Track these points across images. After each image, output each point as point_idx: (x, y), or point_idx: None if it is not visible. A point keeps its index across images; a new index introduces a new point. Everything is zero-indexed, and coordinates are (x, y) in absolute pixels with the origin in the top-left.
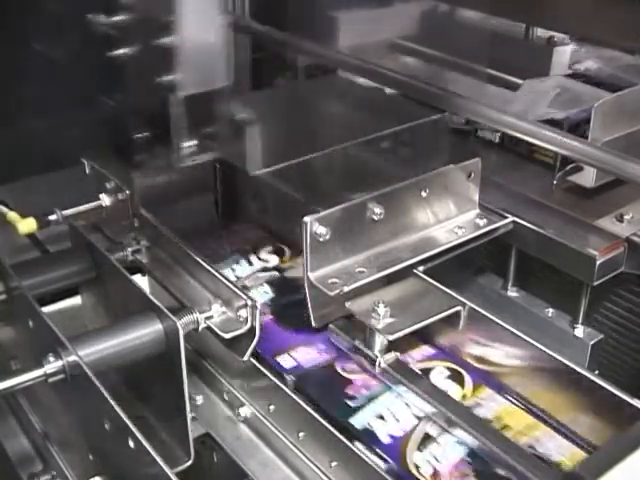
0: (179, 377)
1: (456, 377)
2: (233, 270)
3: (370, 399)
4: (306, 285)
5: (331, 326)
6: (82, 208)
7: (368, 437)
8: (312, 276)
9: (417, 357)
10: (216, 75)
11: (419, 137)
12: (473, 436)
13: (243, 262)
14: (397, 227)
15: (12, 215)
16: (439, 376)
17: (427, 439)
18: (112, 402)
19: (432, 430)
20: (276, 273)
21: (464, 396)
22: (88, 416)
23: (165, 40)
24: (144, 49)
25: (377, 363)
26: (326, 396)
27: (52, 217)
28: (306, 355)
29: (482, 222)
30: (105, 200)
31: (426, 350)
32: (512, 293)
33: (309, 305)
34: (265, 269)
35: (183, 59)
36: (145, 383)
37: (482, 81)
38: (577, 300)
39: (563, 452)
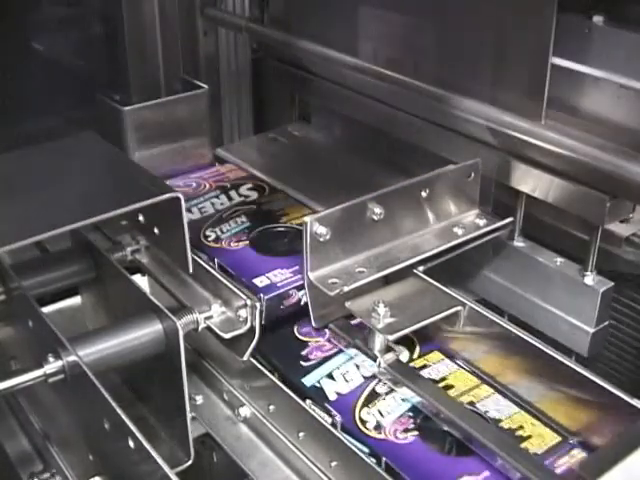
0: (179, 377)
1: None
2: (213, 204)
3: (323, 361)
4: (306, 285)
5: (331, 326)
6: None
7: (318, 395)
8: (312, 276)
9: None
10: None
11: None
12: (416, 393)
13: (223, 197)
14: (397, 227)
15: None
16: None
17: (374, 396)
18: (112, 402)
19: (379, 389)
20: (254, 206)
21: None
22: (88, 416)
23: None
24: None
25: (377, 363)
26: (283, 358)
27: None
28: (280, 276)
29: (482, 222)
30: None
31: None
32: (519, 243)
33: (309, 305)
34: (244, 203)
35: None
36: (145, 383)
37: None
38: (587, 248)
39: (502, 411)
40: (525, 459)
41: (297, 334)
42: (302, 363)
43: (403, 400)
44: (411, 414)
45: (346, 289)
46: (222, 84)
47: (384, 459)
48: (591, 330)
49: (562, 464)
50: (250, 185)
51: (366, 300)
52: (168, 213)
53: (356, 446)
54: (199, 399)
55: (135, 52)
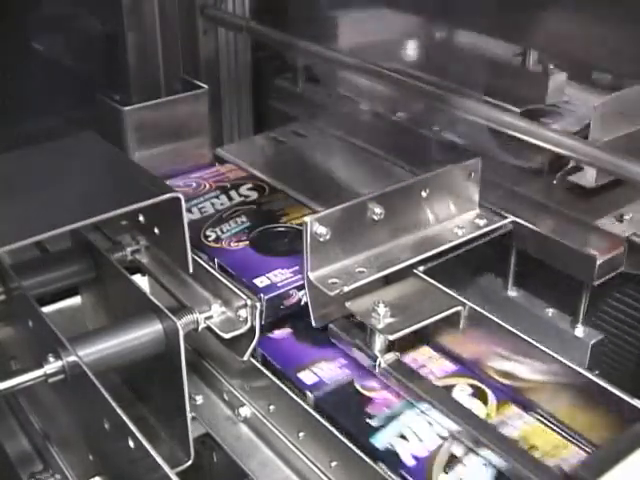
0: (179, 377)
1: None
2: (213, 204)
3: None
4: (306, 285)
5: (331, 326)
6: None
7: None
8: (312, 276)
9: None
10: None
11: None
12: (500, 456)
13: (223, 197)
14: (397, 227)
15: None
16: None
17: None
18: (112, 402)
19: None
20: (254, 206)
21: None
22: (88, 416)
23: None
24: None
25: (377, 363)
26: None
27: None
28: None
29: (482, 222)
30: None
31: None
32: (512, 293)
33: (309, 305)
34: (244, 203)
35: None
36: (145, 383)
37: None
38: (577, 300)
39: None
40: (525, 459)
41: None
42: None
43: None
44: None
45: (346, 289)
46: (222, 84)
47: None
48: None
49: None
50: (250, 185)
51: (366, 300)
52: (168, 213)
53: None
54: (199, 399)
55: (135, 52)
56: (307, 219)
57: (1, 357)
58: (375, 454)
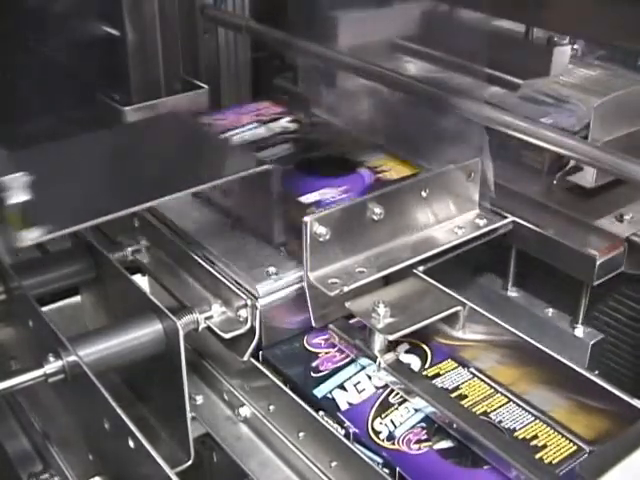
0: (179, 377)
1: (418, 352)
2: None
3: (334, 372)
4: (306, 285)
5: (331, 326)
6: None
7: (330, 406)
8: (312, 276)
9: None
10: None
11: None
12: (430, 404)
13: (262, 128)
14: (397, 227)
15: (12, 215)
16: (401, 350)
17: (387, 406)
18: (112, 402)
19: (392, 399)
20: (297, 135)
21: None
22: (88, 416)
23: None
24: None
25: (377, 363)
26: (294, 370)
27: None
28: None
29: (482, 222)
30: None
31: None
32: (512, 293)
33: (309, 305)
34: (284, 132)
35: None
36: (145, 383)
37: (482, 82)
38: (577, 300)
39: (517, 421)
40: (525, 459)
41: (307, 345)
42: (313, 375)
43: (416, 410)
44: (424, 425)
45: (346, 289)
46: (222, 84)
47: (398, 470)
48: None
49: None
50: (289, 118)
51: (366, 300)
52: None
53: (369, 457)
54: (199, 399)
55: (135, 52)
56: (307, 219)
57: (1, 357)
58: (316, 403)
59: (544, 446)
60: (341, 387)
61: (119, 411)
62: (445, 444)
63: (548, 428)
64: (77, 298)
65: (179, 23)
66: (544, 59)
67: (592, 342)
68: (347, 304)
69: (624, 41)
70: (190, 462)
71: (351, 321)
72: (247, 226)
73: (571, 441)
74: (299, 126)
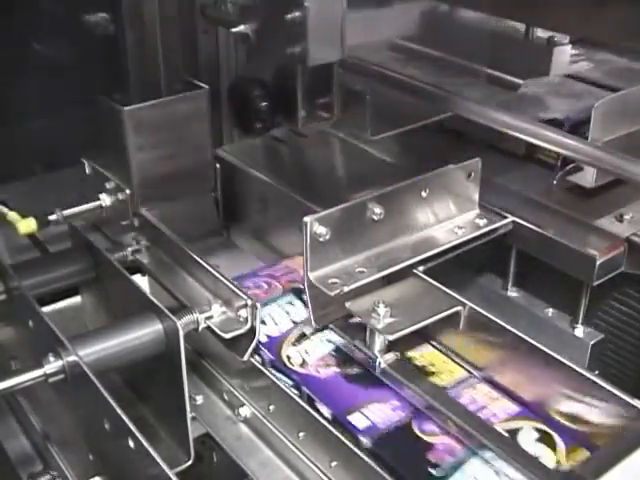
0: (179, 377)
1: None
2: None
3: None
4: (306, 285)
5: (331, 326)
6: (82, 208)
7: None
8: (312, 276)
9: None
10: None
11: None
12: (417, 394)
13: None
14: (397, 227)
15: (12, 215)
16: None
17: (302, 337)
18: (112, 402)
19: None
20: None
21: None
22: (88, 416)
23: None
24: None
25: (377, 363)
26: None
27: (52, 217)
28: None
29: (482, 222)
30: (105, 200)
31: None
32: (512, 293)
33: (309, 305)
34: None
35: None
36: (145, 383)
37: (482, 81)
38: (577, 300)
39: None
40: (525, 459)
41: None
42: (430, 470)
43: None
44: (334, 353)
45: (346, 289)
46: (222, 84)
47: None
48: None
49: (465, 394)
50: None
51: (366, 300)
52: None
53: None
54: (199, 399)
55: (135, 52)
56: (307, 219)
57: (1, 357)
58: None
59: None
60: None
61: (119, 411)
62: (351, 370)
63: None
64: (77, 298)
65: (179, 23)
66: (544, 59)
67: (592, 342)
68: (347, 304)
69: (626, 41)
70: (190, 462)
71: (351, 321)
72: None
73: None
74: None
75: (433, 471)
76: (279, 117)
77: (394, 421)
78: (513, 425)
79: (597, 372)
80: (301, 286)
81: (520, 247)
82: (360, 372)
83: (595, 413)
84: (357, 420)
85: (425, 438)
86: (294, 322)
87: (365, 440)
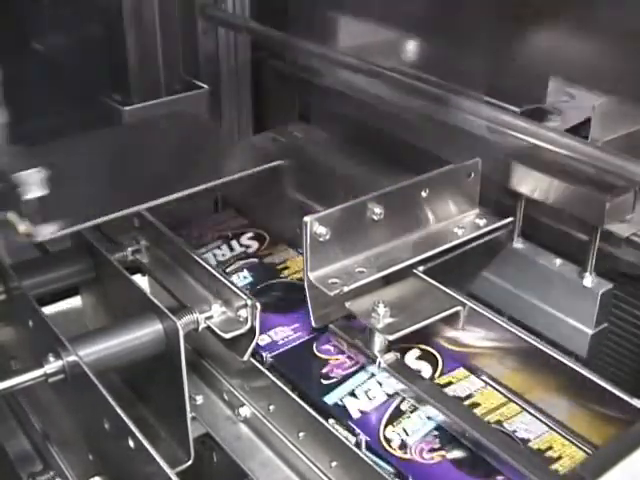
0: (179, 377)
1: (429, 359)
2: (215, 255)
3: (344, 378)
4: (306, 285)
5: (331, 326)
6: None
7: (339, 413)
8: (312, 276)
9: None
10: None
11: None
12: (442, 412)
13: (224, 247)
14: (397, 227)
15: (12, 215)
16: (412, 357)
17: (398, 414)
18: (112, 402)
19: (403, 406)
20: (255, 260)
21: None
22: (88, 416)
23: None
24: None
25: (377, 363)
26: (302, 376)
27: None
28: (281, 334)
29: (482, 222)
30: None
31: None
32: (518, 245)
33: (309, 305)
34: (245, 254)
35: None
36: (145, 383)
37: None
38: (585, 249)
39: (531, 430)
40: (525, 459)
41: (316, 352)
42: (323, 381)
43: (429, 419)
44: (437, 433)
45: (346, 289)
46: (222, 84)
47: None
48: (590, 332)
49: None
50: (251, 234)
51: (366, 300)
52: None
53: (381, 466)
54: (199, 399)
55: (135, 52)
56: (307, 219)
57: (1, 357)
58: (327, 410)
59: (559, 457)
60: (352, 394)
61: (119, 411)
62: (458, 454)
63: (562, 439)
64: (77, 298)
65: (179, 23)
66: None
67: (601, 291)
68: (347, 304)
69: None
70: (190, 462)
71: (351, 321)
72: None
73: (586, 452)
74: (258, 246)
75: (325, 382)
76: None
77: None
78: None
79: (598, 371)
80: (229, 234)
81: (528, 193)
82: (468, 456)
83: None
84: None
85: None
86: (388, 395)
87: None
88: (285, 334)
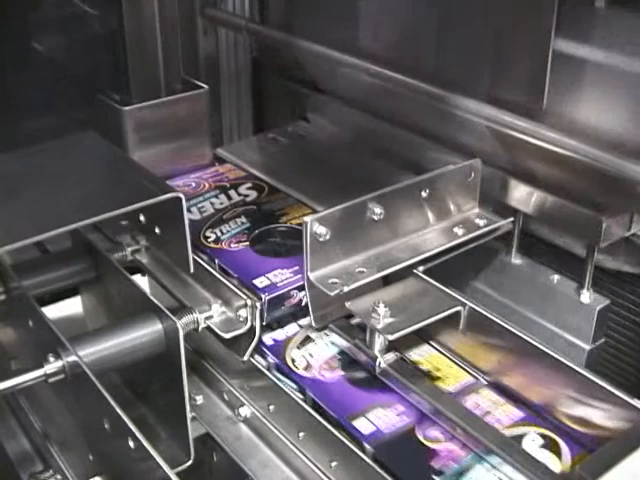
0: (179, 377)
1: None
2: (212, 204)
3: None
4: (306, 285)
5: (331, 326)
6: None
7: None
8: (312, 276)
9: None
10: None
11: None
12: (417, 394)
13: (222, 197)
14: (397, 227)
15: None
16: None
17: (306, 340)
18: (112, 402)
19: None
20: (253, 206)
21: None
22: (88, 416)
23: None
24: None
25: (377, 363)
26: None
27: None
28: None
29: (482, 222)
30: None
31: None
32: (516, 260)
33: (309, 305)
34: (244, 203)
35: None
36: (145, 383)
37: None
38: (583, 266)
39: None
40: (528, 462)
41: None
42: (434, 477)
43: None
44: (338, 356)
45: (346, 289)
46: (222, 84)
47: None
48: (587, 347)
49: (469, 399)
50: (249, 185)
51: (366, 300)
52: (169, 213)
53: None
54: (199, 399)
55: (135, 52)
56: (307, 219)
57: (1, 357)
58: None
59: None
60: None
61: (119, 411)
62: (356, 374)
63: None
64: (77, 298)
65: (179, 23)
66: None
67: (599, 308)
68: (347, 304)
69: None
70: (190, 462)
71: (351, 321)
72: None
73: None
74: (257, 195)
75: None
76: None
77: (398, 427)
78: (517, 431)
79: (598, 373)
80: (227, 184)
81: (525, 210)
82: (365, 376)
83: (600, 415)
84: (362, 425)
85: (429, 444)
86: (300, 325)
87: (369, 447)
88: (285, 276)
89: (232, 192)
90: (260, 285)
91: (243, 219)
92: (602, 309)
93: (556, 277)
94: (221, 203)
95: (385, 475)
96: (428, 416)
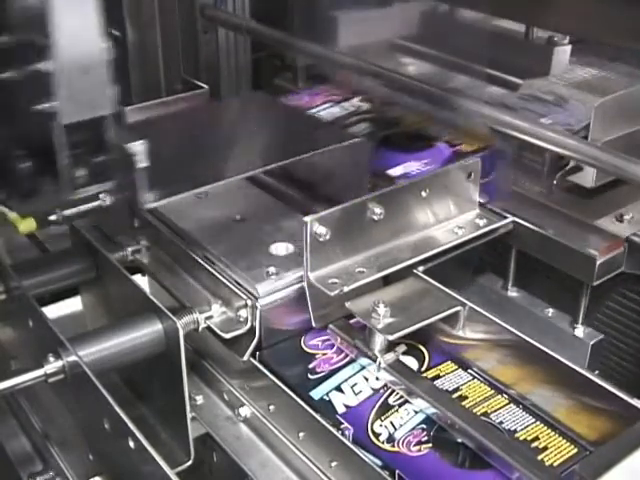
0: (179, 377)
1: (416, 354)
2: (330, 113)
3: (331, 373)
4: (306, 285)
5: (331, 326)
6: (82, 208)
7: (326, 408)
8: (312, 276)
9: None
10: (100, 102)
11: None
12: (431, 404)
13: (336, 108)
14: (397, 227)
15: (12, 215)
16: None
17: (386, 408)
18: (112, 402)
19: (392, 400)
20: (372, 114)
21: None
22: (88, 416)
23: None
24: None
25: (377, 363)
26: (291, 371)
27: (52, 217)
28: (412, 167)
29: (482, 222)
30: (105, 200)
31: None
32: (512, 293)
33: (309, 305)
34: (360, 111)
35: (62, 85)
36: (145, 383)
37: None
38: (577, 300)
39: (518, 422)
40: (528, 461)
41: (304, 346)
42: (310, 376)
43: (416, 412)
44: (424, 426)
45: (346, 289)
46: (222, 84)
47: (397, 472)
48: None
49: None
50: (359, 98)
51: (366, 300)
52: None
53: (369, 458)
54: (199, 399)
55: (135, 52)
56: (307, 219)
57: (1, 357)
58: (313, 405)
59: (545, 448)
60: (338, 389)
61: (119, 411)
62: (445, 446)
63: (549, 430)
64: (77, 298)
65: (179, 23)
66: (544, 59)
67: (592, 342)
68: (347, 304)
69: (626, 41)
70: (190, 462)
71: (351, 321)
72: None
73: (572, 443)
74: (371, 105)
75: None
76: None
77: None
78: None
79: (597, 372)
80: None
81: (520, 247)
82: (455, 448)
83: (600, 415)
84: None
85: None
86: (373, 389)
87: None
88: (416, 166)
89: (345, 104)
90: (395, 174)
91: (364, 125)
92: (596, 343)
93: (551, 310)
94: (339, 111)
95: (385, 475)
96: None
